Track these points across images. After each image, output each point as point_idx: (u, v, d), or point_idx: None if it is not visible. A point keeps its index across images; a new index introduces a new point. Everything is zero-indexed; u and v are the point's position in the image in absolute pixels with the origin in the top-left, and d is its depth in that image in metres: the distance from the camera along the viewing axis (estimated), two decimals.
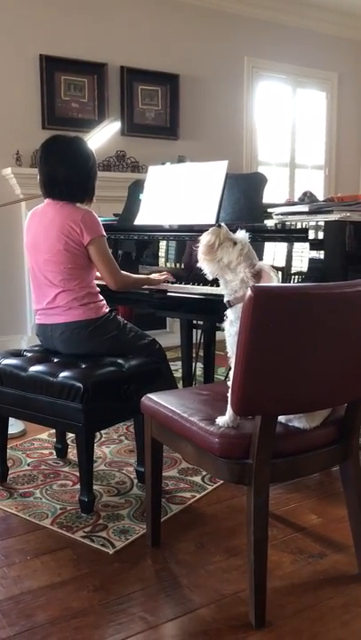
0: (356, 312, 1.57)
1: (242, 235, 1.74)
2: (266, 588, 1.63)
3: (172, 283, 2.73)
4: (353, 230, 2.59)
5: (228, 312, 1.75)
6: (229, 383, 1.58)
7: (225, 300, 1.77)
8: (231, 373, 1.58)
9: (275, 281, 1.69)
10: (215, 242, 1.73)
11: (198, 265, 1.79)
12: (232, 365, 1.58)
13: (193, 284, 2.67)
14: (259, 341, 1.47)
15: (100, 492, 2.39)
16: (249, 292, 1.44)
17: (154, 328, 4.76)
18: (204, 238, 1.76)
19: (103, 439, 2.97)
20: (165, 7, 5.19)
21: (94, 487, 2.31)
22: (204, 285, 2.61)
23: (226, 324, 1.75)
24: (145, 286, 2.69)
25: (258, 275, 1.70)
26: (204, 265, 1.76)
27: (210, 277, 1.78)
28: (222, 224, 1.77)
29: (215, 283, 2.54)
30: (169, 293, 2.66)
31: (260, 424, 1.56)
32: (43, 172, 2.38)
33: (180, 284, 2.71)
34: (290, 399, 1.58)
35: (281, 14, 5.75)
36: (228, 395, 1.60)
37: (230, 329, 1.71)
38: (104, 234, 2.37)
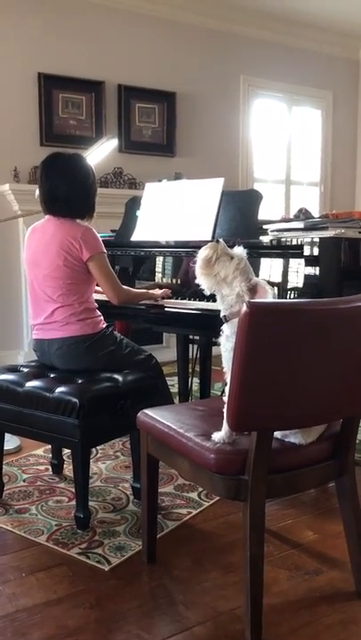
0: (351, 328, 1.58)
1: (239, 250, 1.76)
2: (262, 605, 1.62)
3: (170, 298, 2.74)
4: (348, 246, 2.61)
5: (225, 327, 1.76)
6: (225, 398, 1.59)
7: (221, 314, 1.78)
8: (227, 389, 1.58)
9: (270, 295, 1.71)
10: (213, 256, 1.75)
11: (196, 280, 1.80)
12: (228, 381, 1.58)
13: (189, 300, 2.68)
14: (254, 357, 1.48)
15: (96, 509, 2.38)
16: (244, 308, 1.45)
17: (150, 343, 4.76)
18: (202, 253, 1.78)
19: (99, 455, 2.96)
20: (162, 26, 5.26)
21: (90, 503, 2.31)
22: (200, 301, 2.63)
23: (222, 339, 1.75)
24: (144, 301, 2.70)
25: (253, 289, 1.72)
26: (202, 279, 1.78)
27: (207, 292, 1.80)
28: (220, 239, 1.80)
29: (212, 298, 2.57)
30: (166, 308, 2.68)
31: (255, 440, 1.56)
32: (43, 188, 2.40)
33: (177, 299, 2.72)
34: (286, 415, 1.58)
35: (276, 34, 5.83)
36: (224, 410, 1.60)
37: (226, 344, 1.71)
38: (104, 250, 2.39)
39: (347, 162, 6.58)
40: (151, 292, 2.71)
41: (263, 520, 1.63)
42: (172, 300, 2.71)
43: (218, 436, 1.66)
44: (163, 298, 2.71)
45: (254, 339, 1.46)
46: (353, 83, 6.54)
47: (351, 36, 6.22)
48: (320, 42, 6.13)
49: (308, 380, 1.57)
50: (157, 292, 2.73)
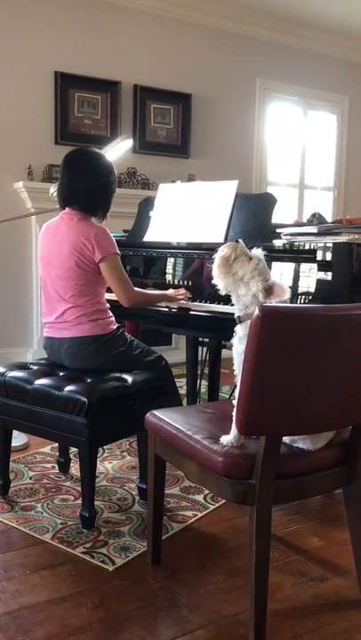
0: None
1: (258, 251, 1.76)
2: (266, 611, 1.62)
3: (188, 298, 2.72)
4: (360, 252, 2.60)
5: (238, 328, 1.74)
6: (235, 402, 1.58)
7: (235, 315, 1.77)
8: (237, 392, 1.58)
9: (287, 295, 1.70)
10: (231, 255, 1.73)
11: (213, 279, 1.78)
12: (238, 383, 1.58)
13: (202, 302, 2.67)
14: (265, 361, 1.48)
15: (102, 508, 2.38)
16: (257, 311, 1.45)
17: (159, 344, 4.76)
18: (221, 252, 1.77)
19: (106, 454, 2.96)
20: (179, 27, 5.27)
21: (96, 503, 2.30)
22: (211, 303, 2.62)
23: (235, 341, 1.74)
24: (163, 303, 2.69)
25: (270, 290, 1.70)
26: (219, 279, 1.76)
27: (223, 292, 1.78)
28: (240, 240, 1.78)
29: (224, 300, 2.56)
30: (191, 312, 2.65)
31: (264, 444, 1.55)
32: (63, 182, 2.42)
33: (189, 301, 2.71)
34: (295, 420, 1.57)
35: (293, 37, 5.82)
36: (233, 414, 1.60)
37: (239, 346, 1.70)
38: (117, 252, 2.39)
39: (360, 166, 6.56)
40: (166, 292, 2.69)
41: (270, 525, 1.62)
42: (192, 303, 2.69)
43: (226, 439, 1.66)
44: (178, 299, 2.68)
45: (266, 342, 1.45)
46: None
47: None
48: (337, 46, 6.11)
49: (319, 386, 1.56)
50: (171, 292, 2.70)
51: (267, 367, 1.48)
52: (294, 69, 5.92)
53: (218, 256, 1.76)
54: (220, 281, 1.76)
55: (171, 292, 2.71)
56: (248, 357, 1.47)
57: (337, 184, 6.46)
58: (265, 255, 1.77)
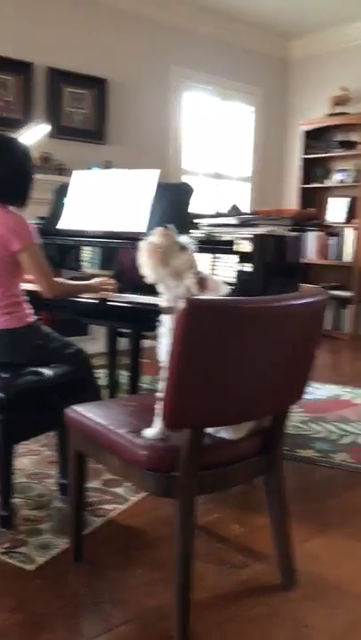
0: (286, 325, 1.60)
1: (187, 240, 1.69)
2: (190, 602, 1.62)
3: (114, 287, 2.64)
4: (277, 244, 2.66)
5: (165, 319, 1.67)
6: (159, 395, 1.56)
7: (164, 306, 1.72)
8: (161, 385, 1.55)
9: (224, 291, 1.68)
10: (166, 245, 1.67)
11: (142, 268, 1.69)
12: (163, 375, 1.55)
13: (123, 292, 2.63)
14: (191, 354, 1.47)
15: (20, 506, 2.30)
16: (183, 304, 1.43)
17: (75, 334, 4.66)
18: (153, 241, 1.68)
19: (23, 449, 2.87)
20: (95, 10, 5.14)
21: (13, 500, 2.23)
22: (132, 293, 2.58)
23: (162, 331, 1.68)
24: (86, 294, 2.60)
25: (202, 283, 1.66)
26: (150, 269, 1.67)
27: (151, 281, 1.70)
28: (171, 226, 1.70)
29: (147, 290, 2.53)
30: (108, 302, 2.58)
31: (189, 436, 1.55)
32: None
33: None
34: (220, 411, 1.58)
35: (207, 26, 5.83)
36: (156, 406, 1.58)
37: (167, 337, 1.62)
38: (36, 241, 2.30)
39: (276, 159, 6.69)
40: (91, 282, 2.61)
41: (194, 516, 1.63)
42: (116, 294, 2.62)
43: (150, 432, 1.65)
44: (106, 289, 2.60)
45: (192, 335, 1.45)
46: (283, 80, 6.64)
47: (281, 34, 6.32)
48: (251, 38, 6.18)
49: (244, 377, 1.58)
50: (97, 280, 2.62)
51: (192, 359, 1.48)
52: (210, 59, 5.94)
53: (149, 246, 1.68)
54: (151, 272, 1.67)
55: (97, 280, 2.61)
56: (174, 350, 1.46)
57: (254, 175, 6.56)
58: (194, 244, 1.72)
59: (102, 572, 1.93)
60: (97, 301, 2.61)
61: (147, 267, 1.68)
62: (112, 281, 2.63)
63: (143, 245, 1.69)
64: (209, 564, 1.99)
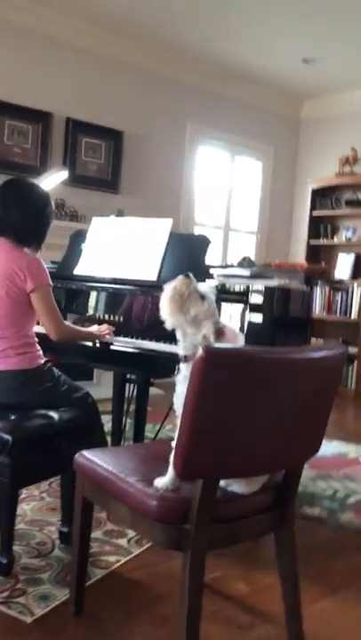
0: (304, 377, 1.59)
1: (208, 289, 1.71)
2: None
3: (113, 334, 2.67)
4: (288, 297, 2.68)
5: (183, 367, 1.67)
6: (173, 443, 1.54)
7: (181, 354, 1.71)
8: (176, 433, 1.53)
9: (241, 341, 1.67)
10: (185, 292, 1.67)
11: (162, 314, 1.69)
12: (178, 424, 1.53)
13: (132, 338, 2.63)
14: (206, 402, 1.46)
15: (20, 553, 2.24)
16: (200, 352, 1.43)
17: (81, 379, 4.63)
18: (174, 287, 1.69)
19: (24, 495, 2.81)
20: (114, 66, 5.33)
21: (13, 547, 2.16)
22: (142, 339, 2.59)
23: (179, 379, 1.67)
24: (87, 340, 2.61)
25: (221, 332, 1.67)
26: (169, 315, 1.68)
27: (169, 328, 1.71)
28: (190, 274, 1.72)
29: (155, 337, 2.53)
30: (112, 347, 2.60)
31: (201, 487, 1.52)
32: None
33: (119, 336, 2.67)
34: (234, 463, 1.55)
35: (224, 86, 6.03)
36: (171, 456, 1.55)
37: (182, 386, 1.62)
38: (50, 283, 2.32)
39: (283, 214, 6.81)
40: (92, 329, 2.63)
41: (203, 572, 1.58)
42: (117, 338, 2.64)
43: (161, 482, 1.61)
44: (104, 334, 2.63)
45: (208, 384, 1.44)
46: (292, 140, 6.83)
47: (295, 96, 6.53)
48: (265, 98, 6.39)
49: (258, 429, 1.56)
50: (97, 328, 2.64)
51: (208, 408, 1.46)
52: (224, 117, 6.12)
53: (169, 292, 1.69)
54: (169, 317, 1.68)
55: (95, 328, 2.63)
56: (189, 398, 1.45)
57: (260, 228, 6.66)
58: (215, 294, 1.73)
59: (104, 626, 1.86)
60: (98, 346, 2.62)
61: (166, 312, 1.69)
62: (104, 327, 2.63)
63: (165, 291, 1.70)
64: (215, 624, 1.91)
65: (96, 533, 2.45)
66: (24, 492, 2.83)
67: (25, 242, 2.35)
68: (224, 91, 6.06)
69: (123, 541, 2.41)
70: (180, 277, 1.71)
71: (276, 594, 1.85)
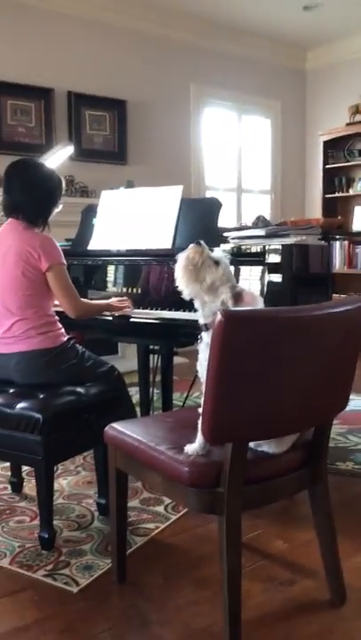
0: (325, 335, 1.57)
1: (221, 254, 1.70)
2: (241, 621, 1.58)
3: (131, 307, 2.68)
4: (307, 254, 2.63)
5: (204, 335, 1.68)
6: (200, 410, 1.54)
7: (201, 322, 1.71)
8: (202, 399, 1.54)
9: (260, 303, 1.66)
10: (199, 260, 1.66)
11: (178, 284, 1.70)
12: (204, 390, 1.53)
13: (152, 309, 2.63)
14: (229, 367, 1.45)
15: (60, 527, 2.29)
16: (219, 317, 1.42)
17: (105, 354, 4.67)
18: (186, 257, 1.69)
19: (60, 471, 2.86)
20: (111, 33, 5.22)
21: (53, 522, 2.22)
22: (162, 309, 2.58)
23: (201, 347, 1.68)
24: (106, 312, 2.62)
25: (239, 297, 1.66)
26: (185, 285, 1.68)
27: (187, 298, 1.71)
28: (202, 242, 1.71)
29: (175, 306, 2.53)
30: (132, 319, 2.60)
31: (231, 451, 1.52)
32: (4, 193, 2.37)
33: (138, 308, 2.67)
34: (262, 424, 1.56)
35: (225, 43, 5.88)
36: (199, 422, 1.56)
37: (205, 353, 1.64)
38: (64, 262, 2.33)
39: (295, 170, 6.69)
40: (110, 301, 2.63)
41: (240, 533, 1.60)
42: (138, 310, 2.64)
43: (191, 448, 1.62)
44: (123, 308, 2.63)
45: (229, 348, 1.43)
46: (301, 93, 6.66)
47: (299, 47, 6.35)
48: (268, 52, 6.22)
49: (284, 389, 1.55)
50: (115, 300, 2.65)
51: (231, 373, 1.46)
52: (227, 75, 5.98)
53: (182, 262, 1.69)
54: (185, 287, 1.68)
55: (114, 300, 2.65)
56: (212, 364, 1.44)
57: (274, 187, 6.56)
58: (229, 258, 1.72)
59: (147, 592, 1.90)
60: (117, 319, 2.62)
61: (181, 282, 1.69)
62: (125, 299, 2.65)
63: (178, 261, 1.69)
64: (255, 582, 1.95)
65: (133, 502, 2.49)
66: (60, 468, 2.89)
67: (35, 222, 2.35)
68: (225, 48, 5.91)
69: (160, 508, 2.45)
70: (192, 246, 1.70)
71: (315, 550, 1.87)
